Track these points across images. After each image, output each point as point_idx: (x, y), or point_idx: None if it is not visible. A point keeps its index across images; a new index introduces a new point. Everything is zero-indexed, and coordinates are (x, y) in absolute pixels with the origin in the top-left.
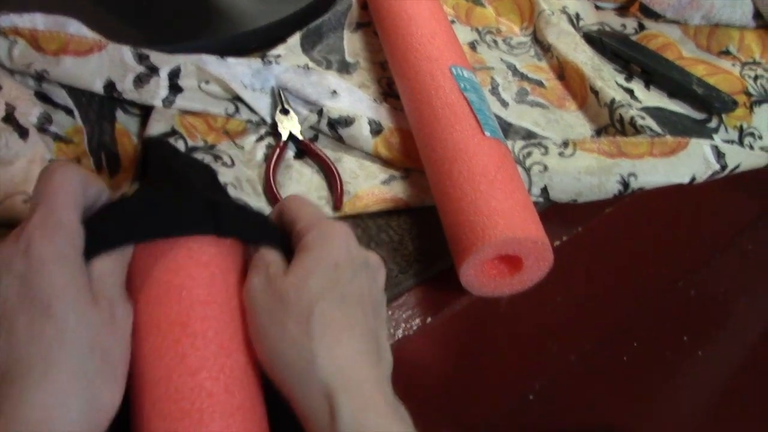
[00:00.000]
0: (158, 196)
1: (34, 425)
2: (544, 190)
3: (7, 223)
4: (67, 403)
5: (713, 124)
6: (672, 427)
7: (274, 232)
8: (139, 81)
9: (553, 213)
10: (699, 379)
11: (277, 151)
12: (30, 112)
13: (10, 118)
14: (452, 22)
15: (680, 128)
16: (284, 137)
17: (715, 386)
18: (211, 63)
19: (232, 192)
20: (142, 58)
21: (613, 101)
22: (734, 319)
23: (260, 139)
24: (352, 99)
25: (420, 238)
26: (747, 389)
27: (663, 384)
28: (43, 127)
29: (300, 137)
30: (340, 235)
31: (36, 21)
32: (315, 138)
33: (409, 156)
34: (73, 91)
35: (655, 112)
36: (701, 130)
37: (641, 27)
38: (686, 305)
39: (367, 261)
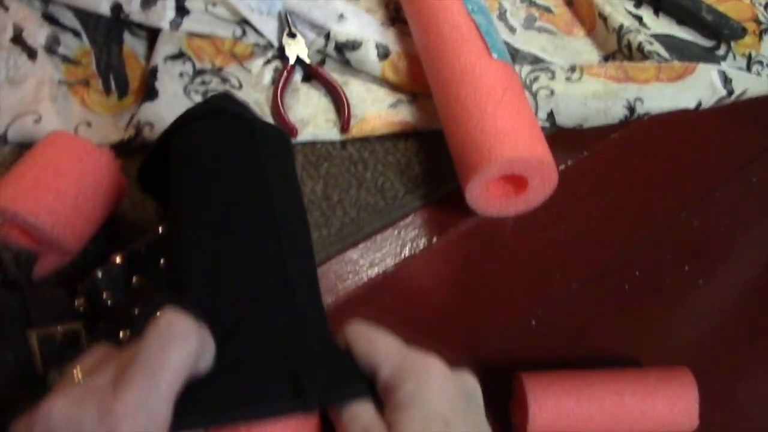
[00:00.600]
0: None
1: None
2: (551, 115)
3: (19, 143)
4: None
5: (721, 51)
6: (671, 354)
7: (363, 385)
8: (146, 3)
9: (559, 138)
10: (699, 308)
11: (285, 74)
12: (37, 33)
13: (18, 39)
14: None
15: (688, 55)
16: (291, 61)
17: (715, 315)
18: None
19: None
20: None
21: (621, 27)
22: (735, 249)
23: (267, 62)
24: (360, 23)
25: (427, 161)
26: (746, 318)
27: (663, 312)
28: (51, 48)
29: (307, 61)
30: (436, 379)
31: None
32: (322, 62)
33: (416, 80)
34: (80, 13)
35: (663, 39)
36: (709, 57)
37: None
38: (688, 235)
39: (468, 392)
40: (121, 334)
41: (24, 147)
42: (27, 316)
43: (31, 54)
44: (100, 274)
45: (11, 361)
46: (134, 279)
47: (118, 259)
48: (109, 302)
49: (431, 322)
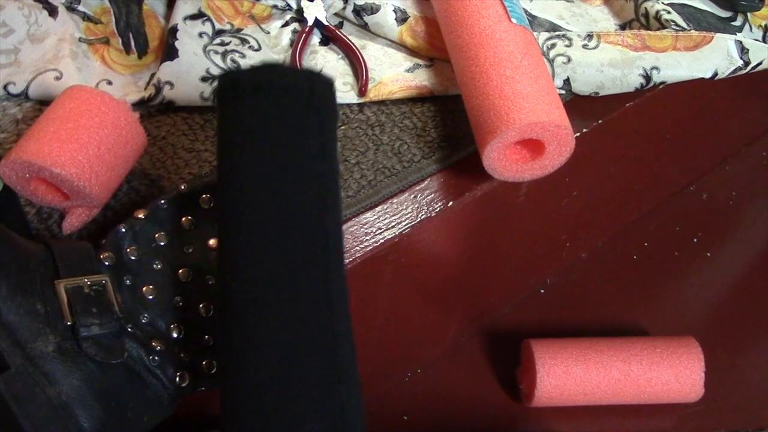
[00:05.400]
0: None
1: None
2: (567, 82)
3: (41, 99)
4: None
5: (738, 22)
6: (678, 324)
7: None
8: None
9: (574, 105)
10: (706, 280)
11: (303, 36)
12: None
13: None
14: None
15: (705, 25)
16: (310, 22)
17: (722, 287)
18: None
19: None
20: None
21: None
22: (744, 223)
23: (286, 24)
24: None
25: (443, 125)
26: (753, 291)
27: (671, 283)
28: (71, 6)
29: (325, 23)
30: None
31: None
32: (340, 25)
33: (434, 45)
34: None
35: (680, 8)
36: (726, 28)
37: None
38: (698, 208)
39: None
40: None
41: (45, 104)
42: (55, 268)
43: (52, 11)
44: (123, 229)
45: (40, 311)
46: (157, 235)
47: (141, 215)
48: (132, 257)
49: (443, 286)
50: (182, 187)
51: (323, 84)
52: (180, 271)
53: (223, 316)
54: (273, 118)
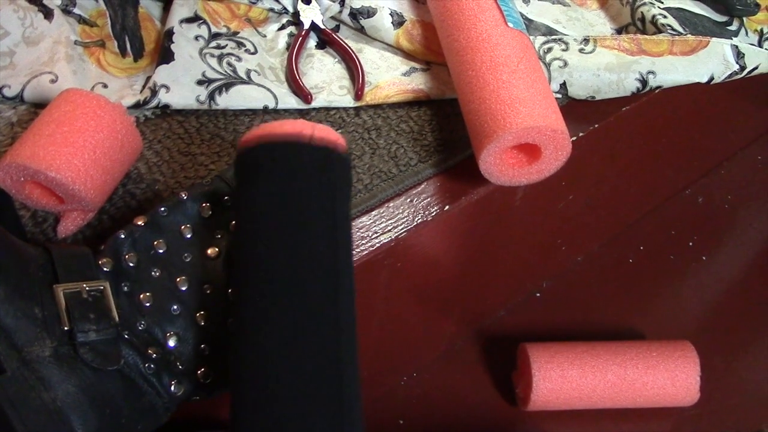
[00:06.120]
0: None
1: None
2: (563, 86)
3: (36, 102)
4: None
5: (734, 26)
6: (674, 328)
7: None
8: None
9: (571, 110)
10: (702, 283)
11: (299, 39)
12: None
13: None
14: None
15: (701, 29)
16: (306, 26)
17: (718, 290)
18: None
19: (255, 78)
20: None
21: (635, 0)
22: (739, 226)
23: (282, 27)
24: None
25: (440, 129)
26: (748, 294)
27: (667, 287)
28: (67, 9)
29: (322, 26)
30: None
31: None
32: (337, 28)
33: (430, 48)
34: None
35: (676, 12)
36: (722, 32)
37: None
38: (693, 212)
39: None
40: None
41: (40, 106)
42: (53, 273)
43: (48, 14)
44: (123, 235)
45: (38, 316)
46: (156, 242)
47: (140, 222)
48: (131, 264)
49: (439, 290)
50: (183, 195)
51: (337, 160)
52: (178, 279)
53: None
54: (285, 197)
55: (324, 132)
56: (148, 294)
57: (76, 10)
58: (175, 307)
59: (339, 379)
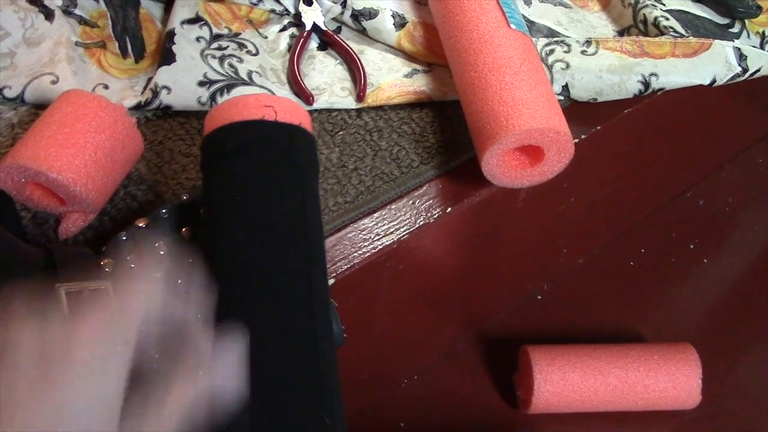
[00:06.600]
0: None
1: None
2: (566, 88)
3: (37, 103)
4: None
5: (736, 29)
6: (675, 330)
7: None
8: None
9: (573, 112)
10: (703, 286)
11: (301, 41)
12: None
13: (35, 0)
14: None
15: (703, 32)
16: (308, 27)
17: (719, 293)
18: None
19: (256, 80)
20: None
21: (637, 1)
22: (740, 229)
23: (284, 29)
24: None
25: (441, 131)
26: (749, 297)
27: (668, 289)
28: (67, 9)
29: (323, 28)
30: None
31: None
32: (338, 30)
33: (432, 50)
34: None
35: (678, 15)
36: (723, 34)
37: None
38: (694, 214)
39: None
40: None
41: (41, 107)
42: (55, 273)
43: (48, 15)
44: (124, 237)
45: None
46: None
47: (142, 224)
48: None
49: (441, 292)
50: (184, 197)
51: (302, 138)
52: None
53: None
54: (253, 176)
55: (288, 112)
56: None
57: (77, 11)
58: None
59: (315, 357)
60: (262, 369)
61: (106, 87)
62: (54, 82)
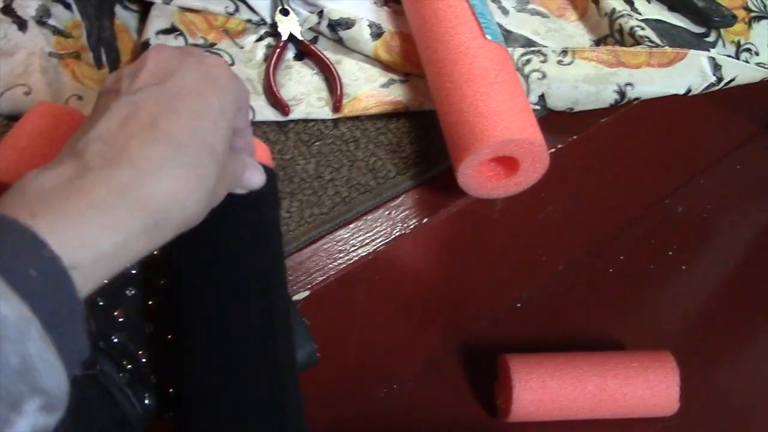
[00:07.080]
0: None
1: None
2: (542, 98)
3: (9, 115)
4: None
5: (711, 38)
6: (654, 338)
7: None
8: None
9: (549, 121)
10: (682, 293)
11: (277, 51)
12: (28, 5)
13: (8, 10)
14: None
15: (679, 41)
16: (284, 37)
17: (698, 300)
18: None
19: None
20: None
21: (613, 11)
22: (719, 236)
23: (260, 39)
24: (353, 1)
25: (418, 141)
26: (728, 304)
27: (647, 296)
28: (41, 20)
29: (300, 38)
30: None
31: None
32: (315, 40)
33: (409, 60)
34: None
35: (654, 24)
36: (699, 44)
37: None
38: (673, 221)
39: None
40: None
41: (13, 119)
42: None
43: (22, 25)
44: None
45: None
46: (128, 292)
47: None
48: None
49: (419, 302)
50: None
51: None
52: (150, 302)
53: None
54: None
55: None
56: (122, 310)
57: (51, 21)
58: (149, 325)
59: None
60: (222, 389)
61: (80, 98)
62: (27, 93)
